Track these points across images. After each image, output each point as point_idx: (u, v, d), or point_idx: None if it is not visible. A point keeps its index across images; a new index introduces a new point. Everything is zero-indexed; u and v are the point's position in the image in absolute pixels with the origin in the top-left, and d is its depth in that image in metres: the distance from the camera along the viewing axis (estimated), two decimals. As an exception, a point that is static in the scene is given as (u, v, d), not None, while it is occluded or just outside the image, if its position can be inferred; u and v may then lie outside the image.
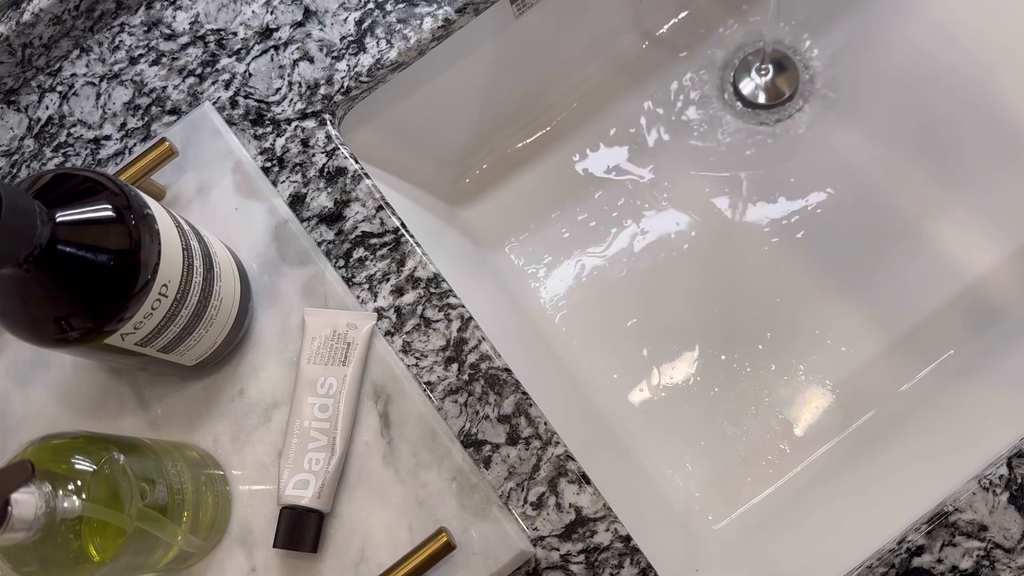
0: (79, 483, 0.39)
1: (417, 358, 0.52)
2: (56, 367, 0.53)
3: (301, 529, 0.47)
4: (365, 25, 0.58)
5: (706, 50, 0.74)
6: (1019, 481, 0.48)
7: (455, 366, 0.52)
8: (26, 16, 0.57)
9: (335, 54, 0.58)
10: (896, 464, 0.57)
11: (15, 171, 0.59)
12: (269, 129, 0.57)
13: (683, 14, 0.74)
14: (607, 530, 0.48)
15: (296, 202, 0.56)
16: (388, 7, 0.59)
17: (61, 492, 0.38)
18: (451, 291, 0.53)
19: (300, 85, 0.58)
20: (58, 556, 0.38)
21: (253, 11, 0.60)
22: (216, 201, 0.55)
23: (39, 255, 0.37)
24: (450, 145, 0.72)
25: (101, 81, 0.60)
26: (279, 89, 0.58)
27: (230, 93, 0.58)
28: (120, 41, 0.60)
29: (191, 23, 0.60)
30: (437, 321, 0.52)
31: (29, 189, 0.40)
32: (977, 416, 0.56)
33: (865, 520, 0.53)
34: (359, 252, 0.54)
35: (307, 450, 0.48)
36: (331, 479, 0.48)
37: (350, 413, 0.50)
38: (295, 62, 0.58)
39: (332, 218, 0.55)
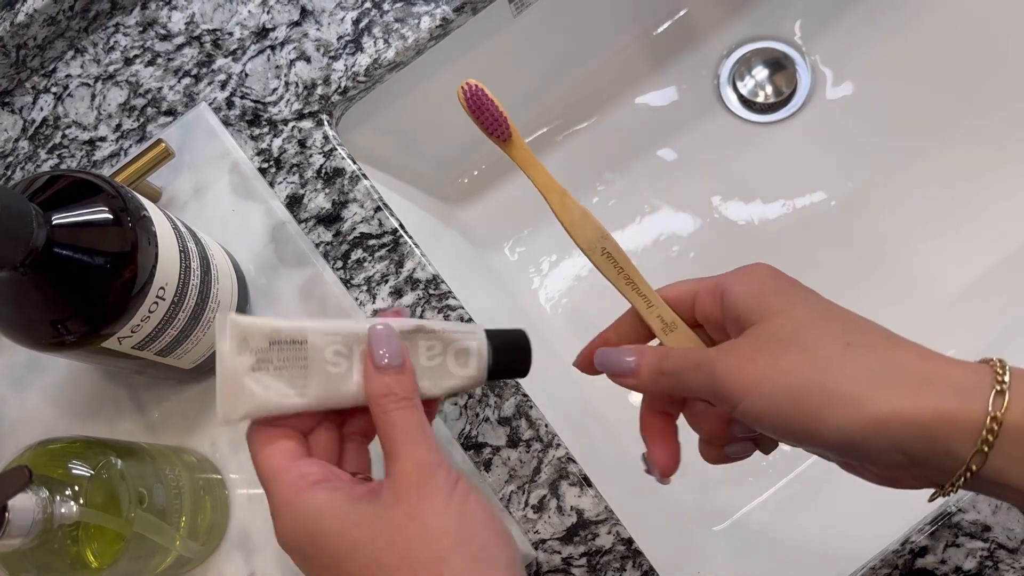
0: (76, 488, 0.39)
1: (416, 360, 0.52)
2: (52, 371, 0.53)
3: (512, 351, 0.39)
4: (362, 25, 0.58)
5: (705, 49, 0.74)
6: (1022, 481, 0.47)
7: (455, 368, 0.51)
8: (20, 17, 0.56)
9: (332, 54, 0.58)
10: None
11: (9, 173, 0.59)
12: (266, 130, 0.57)
13: (681, 13, 0.74)
14: (609, 533, 0.48)
15: (293, 203, 0.55)
16: (385, 7, 0.58)
17: (58, 497, 0.38)
18: (450, 292, 0.53)
19: (297, 85, 0.57)
20: (56, 562, 0.38)
21: (249, 11, 0.59)
22: (213, 203, 0.55)
23: (35, 258, 0.37)
24: (448, 145, 0.71)
25: (96, 82, 0.59)
26: (276, 89, 0.58)
27: (226, 94, 0.58)
28: (115, 42, 0.60)
29: (187, 23, 0.60)
30: (436, 323, 0.52)
31: (25, 191, 0.40)
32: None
33: (868, 521, 0.52)
34: (357, 253, 0.54)
35: (306, 453, 0.48)
36: (331, 482, 0.48)
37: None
38: (292, 62, 0.58)
39: (330, 219, 0.55)
